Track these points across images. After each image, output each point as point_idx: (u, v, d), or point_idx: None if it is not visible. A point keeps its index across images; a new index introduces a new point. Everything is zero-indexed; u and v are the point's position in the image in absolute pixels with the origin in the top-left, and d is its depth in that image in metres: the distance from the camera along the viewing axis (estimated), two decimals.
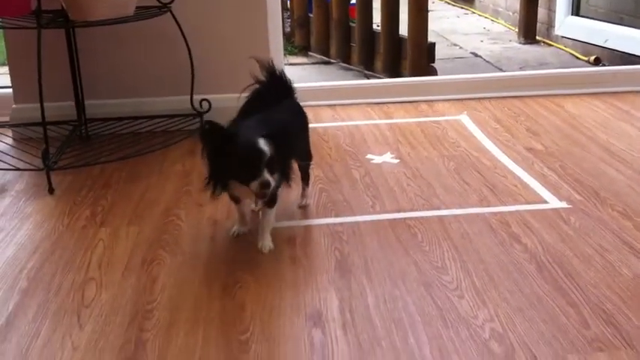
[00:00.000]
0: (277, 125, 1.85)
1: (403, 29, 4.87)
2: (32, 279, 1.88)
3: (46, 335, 1.63)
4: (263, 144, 1.80)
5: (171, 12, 2.78)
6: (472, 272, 1.84)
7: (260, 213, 2.03)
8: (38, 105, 2.45)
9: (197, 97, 2.94)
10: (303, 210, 2.24)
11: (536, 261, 1.89)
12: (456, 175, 2.48)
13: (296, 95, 2.15)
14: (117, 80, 3.04)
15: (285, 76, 2.07)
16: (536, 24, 5.93)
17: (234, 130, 1.88)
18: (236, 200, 2.03)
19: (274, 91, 2.05)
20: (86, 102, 2.95)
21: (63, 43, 2.85)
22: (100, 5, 2.54)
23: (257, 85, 2.06)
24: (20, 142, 2.88)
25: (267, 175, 1.79)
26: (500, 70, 5.10)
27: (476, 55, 5.65)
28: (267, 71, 2.02)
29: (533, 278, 1.80)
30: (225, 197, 2.00)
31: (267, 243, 1.98)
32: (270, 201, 1.97)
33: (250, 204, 2.17)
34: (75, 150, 2.73)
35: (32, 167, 2.55)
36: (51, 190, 2.42)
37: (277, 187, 1.93)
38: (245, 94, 2.08)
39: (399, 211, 2.21)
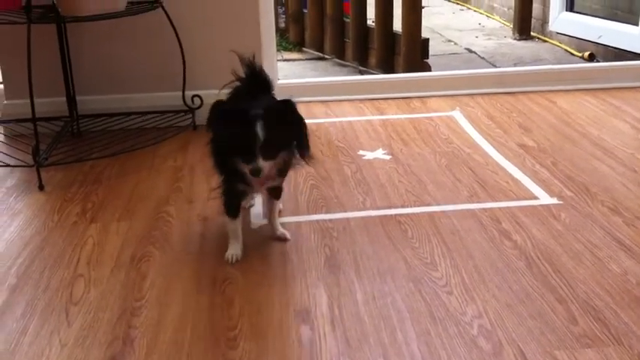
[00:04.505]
0: None
1: (397, 25, 4.87)
2: (21, 276, 1.87)
3: (34, 332, 1.63)
4: (260, 127, 1.73)
5: (162, 7, 2.77)
6: (461, 268, 1.84)
7: (266, 206, 2.06)
8: (29, 101, 2.44)
9: (189, 93, 2.93)
10: (294, 206, 2.23)
11: (525, 257, 1.89)
12: (448, 172, 2.48)
13: (273, 91, 2.13)
14: (108, 76, 3.03)
15: (263, 72, 2.05)
16: (531, 20, 5.93)
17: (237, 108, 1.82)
18: (236, 208, 1.95)
19: (252, 87, 2.03)
20: (77, 98, 2.94)
21: (54, 39, 2.83)
22: (91, 1, 2.53)
23: (237, 83, 2.04)
24: (11, 138, 2.87)
25: (260, 162, 1.74)
26: (495, 66, 5.10)
27: (470, 51, 5.65)
28: (246, 66, 2.01)
29: (522, 274, 1.80)
30: (214, 194, 2.00)
31: (284, 230, 2.03)
32: (277, 194, 1.99)
33: (250, 201, 2.17)
34: (66, 146, 2.72)
35: (22, 164, 2.54)
36: (41, 187, 2.41)
37: (284, 178, 1.95)
38: (225, 90, 2.06)
39: (389, 207, 2.21)
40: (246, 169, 1.75)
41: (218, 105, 1.79)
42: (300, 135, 1.85)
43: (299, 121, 1.83)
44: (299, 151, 1.86)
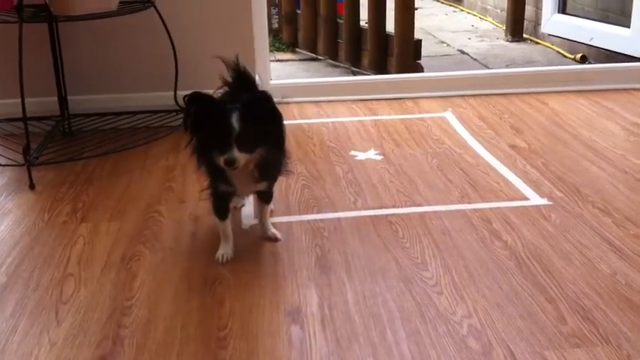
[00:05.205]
0: None
1: (390, 26, 4.87)
2: (11, 275, 1.87)
3: (24, 331, 1.62)
4: (235, 119, 1.72)
5: (155, 7, 2.77)
6: (452, 268, 1.84)
7: (258, 209, 2.07)
8: (20, 100, 2.43)
9: (181, 93, 2.92)
10: (285, 206, 2.23)
11: (515, 257, 1.89)
12: (439, 172, 2.48)
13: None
14: (100, 76, 3.02)
15: (247, 72, 2.05)
16: (523, 22, 5.93)
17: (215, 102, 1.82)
18: (225, 210, 1.95)
19: (239, 88, 2.03)
20: (69, 97, 2.94)
21: (46, 38, 2.83)
22: (83, 0, 2.53)
23: (226, 88, 2.04)
24: (2, 137, 2.86)
25: (235, 152, 1.72)
26: (487, 67, 5.11)
27: (463, 52, 5.65)
28: (232, 70, 2.01)
29: (512, 274, 1.81)
30: (205, 195, 1.99)
31: (275, 230, 2.03)
32: (267, 198, 2.00)
33: (240, 201, 2.17)
34: (57, 145, 2.71)
35: (13, 163, 2.53)
36: (32, 186, 2.41)
37: (272, 183, 1.96)
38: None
39: (380, 207, 2.22)
40: (221, 160, 1.73)
41: (194, 98, 1.77)
42: (276, 129, 1.83)
43: (277, 115, 1.82)
44: (275, 146, 1.85)
